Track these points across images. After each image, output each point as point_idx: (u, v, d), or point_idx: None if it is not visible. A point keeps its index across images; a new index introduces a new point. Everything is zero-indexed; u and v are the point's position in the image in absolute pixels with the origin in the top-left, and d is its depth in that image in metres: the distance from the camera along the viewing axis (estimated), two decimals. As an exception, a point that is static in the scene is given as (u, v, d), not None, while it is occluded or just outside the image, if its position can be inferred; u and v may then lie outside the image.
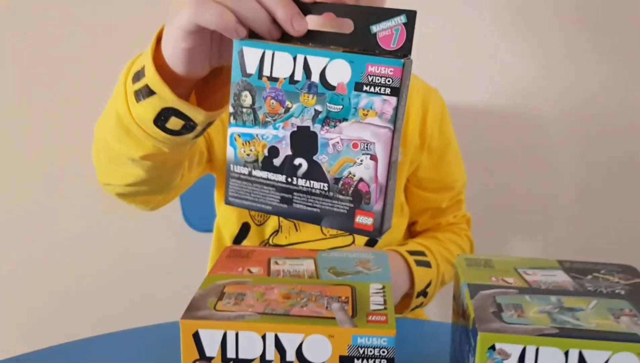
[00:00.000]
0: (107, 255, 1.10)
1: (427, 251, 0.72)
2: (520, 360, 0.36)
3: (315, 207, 0.38)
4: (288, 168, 0.37)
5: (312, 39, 0.38)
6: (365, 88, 0.35)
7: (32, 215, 1.08)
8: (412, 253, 0.70)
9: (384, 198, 0.36)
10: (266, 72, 0.37)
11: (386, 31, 0.36)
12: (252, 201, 0.39)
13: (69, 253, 1.10)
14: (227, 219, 0.74)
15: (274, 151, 0.37)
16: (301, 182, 0.37)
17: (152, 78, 0.44)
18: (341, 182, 0.37)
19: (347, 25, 0.38)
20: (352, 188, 0.36)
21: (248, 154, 0.38)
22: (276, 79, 0.37)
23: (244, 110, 0.38)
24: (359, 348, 0.37)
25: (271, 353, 0.37)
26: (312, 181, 0.37)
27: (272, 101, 0.37)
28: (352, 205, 0.37)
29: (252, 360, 0.38)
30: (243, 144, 0.38)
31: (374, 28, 0.36)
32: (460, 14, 1.02)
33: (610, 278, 0.44)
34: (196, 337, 0.38)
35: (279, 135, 0.37)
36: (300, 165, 0.37)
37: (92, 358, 0.55)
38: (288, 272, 0.45)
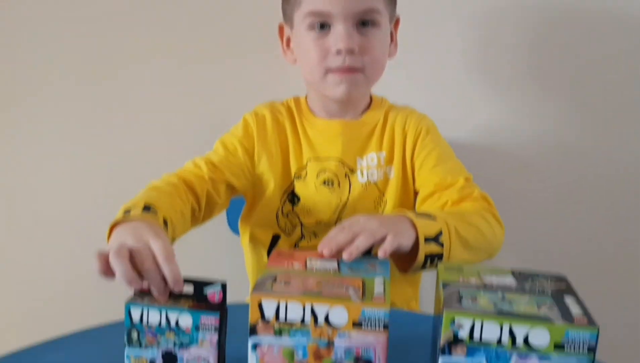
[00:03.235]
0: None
1: (431, 213, 0.81)
2: (471, 331, 0.55)
3: None
4: None
5: (172, 296, 0.63)
6: (201, 328, 0.62)
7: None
8: (414, 212, 0.81)
9: None
10: (144, 322, 0.62)
11: (212, 292, 0.62)
12: None
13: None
14: (261, 233, 0.97)
15: None
16: None
17: None
18: None
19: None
20: None
21: None
22: (151, 326, 0.62)
23: (134, 341, 0.62)
24: (366, 318, 0.56)
25: (308, 318, 0.57)
26: None
27: (149, 335, 0.62)
28: None
29: (295, 321, 0.57)
30: (134, 360, 0.63)
31: (205, 290, 0.62)
32: (442, 67, 1.24)
33: (544, 282, 0.63)
34: (260, 305, 0.57)
35: (155, 355, 0.62)
36: None
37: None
38: (319, 269, 0.65)
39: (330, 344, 0.57)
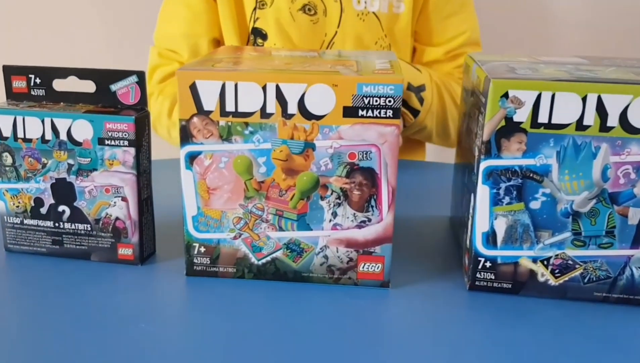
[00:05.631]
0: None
1: (418, 65, 0.69)
2: (535, 108, 0.34)
3: (83, 245, 0.43)
4: (53, 214, 0.42)
5: (64, 98, 0.42)
6: (107, 142, 0.40)
7: None
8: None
9: (140, 231, 0.42)
10: (20, 134, 0.41)
11: (123, 88, 0.41)
12: (29, 245, 0.43)
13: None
14: None
15: (39, 202, 0.42)
16: (67, 226, 0.42)
17: None
18: (101, 222, 0.42)
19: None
20: (111, 226, 0.42)
21: (17, 206, 0.43)
22: (30, 140, 0.41)
23: (7, 168, 0.42)
24: (364, 98, 0.35)
25: (272, 106, 0.36)
26: (76, 224, 0.42)
27: (30, 159, 0.41)
28: (113, 240, 0.42)
29: (252, 113, 0.36)
30: (11, 198, 0.42)
31: (113, 87, 0.41)
32: None
33: (628, 61, 0.42)
34: (193, 89, 0.36)
35: (41, 187, 0.42)
36: (64, 211, 0.42)
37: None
38: (289, 55, 0.43)
39: (308, 147, 0.36)
